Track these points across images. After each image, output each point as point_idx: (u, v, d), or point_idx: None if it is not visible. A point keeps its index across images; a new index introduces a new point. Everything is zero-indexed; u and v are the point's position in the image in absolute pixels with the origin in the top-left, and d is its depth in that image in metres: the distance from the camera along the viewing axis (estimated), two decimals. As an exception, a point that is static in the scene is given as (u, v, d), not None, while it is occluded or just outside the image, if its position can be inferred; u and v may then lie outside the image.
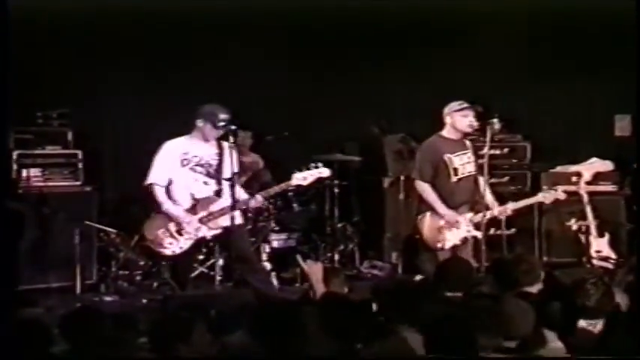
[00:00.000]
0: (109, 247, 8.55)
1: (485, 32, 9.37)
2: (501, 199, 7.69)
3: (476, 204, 7.34)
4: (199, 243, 7.30)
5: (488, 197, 7.45)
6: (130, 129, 9.47)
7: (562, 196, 7.66)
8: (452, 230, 7.27)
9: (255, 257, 7.34)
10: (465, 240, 7.32)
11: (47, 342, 4.54)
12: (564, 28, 9.22)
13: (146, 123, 9.49)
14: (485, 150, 7.39)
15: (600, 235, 8.36)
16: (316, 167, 7.11)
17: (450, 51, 9.44)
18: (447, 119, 7.39)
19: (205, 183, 7.09)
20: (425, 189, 7.33)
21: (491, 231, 8.45)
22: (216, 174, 7.06)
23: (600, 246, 8.31)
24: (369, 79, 9.68)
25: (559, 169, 9.13)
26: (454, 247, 7.32)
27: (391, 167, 9.43)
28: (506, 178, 9.16)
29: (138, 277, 8.46)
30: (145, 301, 7.94)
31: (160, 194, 7.08)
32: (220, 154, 7.08)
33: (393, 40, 9.46)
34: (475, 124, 7.35)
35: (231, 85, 9.23)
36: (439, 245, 7.28)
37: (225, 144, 7.10)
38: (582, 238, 8.45)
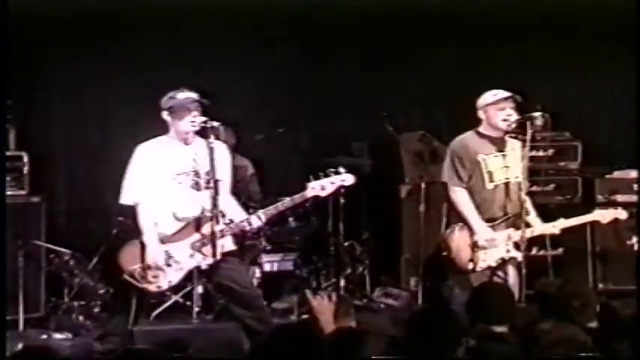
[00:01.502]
0: (61, 271, 8.46)
1: (527, 12, 9.37)
2: (546, 212, 7.61)
3: (518, 218, 7.22)
4: (192, 275, 7.05)
5: (532, 212, 7.34)
6: (85, 128, 9.45)
7: (624, 215, 7.49)
8: (488, 248, 7.22)
9: (255, 290, 7.12)
10: (502, 262, 7.24)
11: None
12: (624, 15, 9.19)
13: (105, 121, 9.50)
14: (525, 151, 7.33)
15: (669, 256, 8.32)
16: (337, 173, 6.93)
17: (479, 34, 9.46)
18: (481, 114, 7.33)
19: (191, 197, 6.84)
20: (461, 196, 7.23)
21: (534, 251, 8.40)
22: (205, 185, 6.79)
23: (670, 270, 8.25)
24: (381, 67, 9.64)
25: (617, 174, 9.07)
26: (491, 270, 7.25)
27: (409, 172, 9.35)
28: (551, 186, 9.08)
29: (96, 309, 8.37)
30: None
31: (144, 218, 6.81)
32: (210, 159, 6.75)
33: (413, 23, 9.46)
34: (512, 118, 7.28)
35: (208, 77, 9.20)
36: (470, 266, 7.21)
37: (218, 145, 6.86)
38: (646, 260, 8.39)
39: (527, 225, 7.24)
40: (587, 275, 8.80)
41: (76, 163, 9.42)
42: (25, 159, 8.62)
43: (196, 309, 7.96)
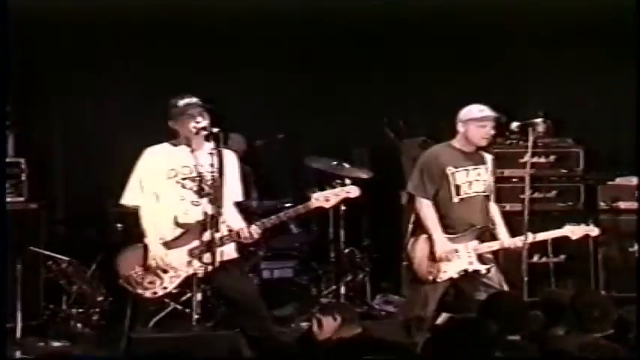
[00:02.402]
0: (60, 278, 8.45)
1: (529, 17, 9.39)
2: (549, 219, 7.60)
3: (485, 231, 7.28)
4: (188, 282, 6.96)
5: (500, 225, 7.39)
6: (85, 133, 9.44)
7: (595, 232, 7.52)
8: (451, 259, 7.23)
9: (259, 300, 7.01)
10: (464, 273, 7.25)
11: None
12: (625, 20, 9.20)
13: (105, 127, 9.50)
14: (527, 157, 7.32)
15: (672, 263, 8.31)
16: (342, 184, 6.95)
17: (480, 41, 9.48)
18: (460, 126, 7.31)
19: (195, 203, 6.82)
20: (426, 208, 7.27)
21: (535, 258, 8.40)
22: (210, 192, 6.72)
23: (672, 277, 8.24)
24: (382, 71, 9.66)
25: (619, 181, 9.06)
26: (451, 281, 7.26)
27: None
28: (553, 193, 9.08)
29: (95, 317, 8.37)
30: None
31: (146, 221, 6.80)
32: (220, 166, 6.67)
33: (414, 28, 9.49)
34: (491, 135, 7.29)
35: (212, 83, 9.23)
36: (430, 277, 7.25)
37: (228, 153, 6.85)
38: (648, 267, 8.38)
39: (494, 238, 7.30)
40: (590, 282, 8.77)
41: (74, 169, 9.40)
42: (24, 165, 8.58)
43: (196, 316, 7.95)
